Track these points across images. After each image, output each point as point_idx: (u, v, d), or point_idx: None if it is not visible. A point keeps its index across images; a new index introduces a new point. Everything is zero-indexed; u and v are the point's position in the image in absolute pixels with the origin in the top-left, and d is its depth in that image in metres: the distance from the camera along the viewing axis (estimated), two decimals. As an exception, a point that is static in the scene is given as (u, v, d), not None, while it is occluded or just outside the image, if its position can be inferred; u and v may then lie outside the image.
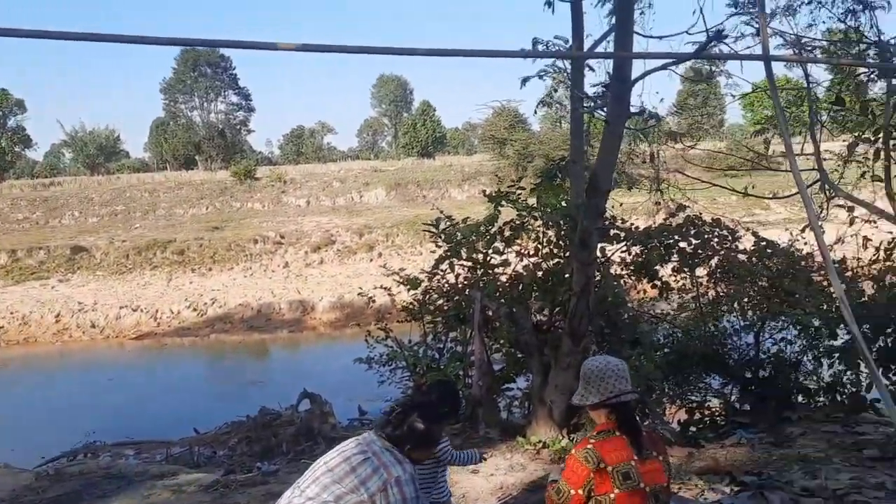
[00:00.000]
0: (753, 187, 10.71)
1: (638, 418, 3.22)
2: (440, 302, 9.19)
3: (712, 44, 6.03)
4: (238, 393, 17.25)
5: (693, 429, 8.48)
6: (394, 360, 9.51)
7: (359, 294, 13.70)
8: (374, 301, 11.68)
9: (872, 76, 8.94)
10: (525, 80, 7.72)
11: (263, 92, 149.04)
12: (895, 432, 6.55)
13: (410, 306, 9.53)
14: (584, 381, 3.10)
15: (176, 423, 13.05)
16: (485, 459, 4.89)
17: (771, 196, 23.17)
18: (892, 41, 8.33)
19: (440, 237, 8.62)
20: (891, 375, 7.89)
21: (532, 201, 8.21)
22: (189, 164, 71.06)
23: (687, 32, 7.06)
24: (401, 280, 9.45)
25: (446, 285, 9.03)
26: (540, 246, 8.22)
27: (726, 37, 6.47)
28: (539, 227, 8.20)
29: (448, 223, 8.68)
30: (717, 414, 8.79)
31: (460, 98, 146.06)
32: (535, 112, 39.12)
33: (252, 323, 26.65)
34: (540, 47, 8.31)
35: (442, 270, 8.95)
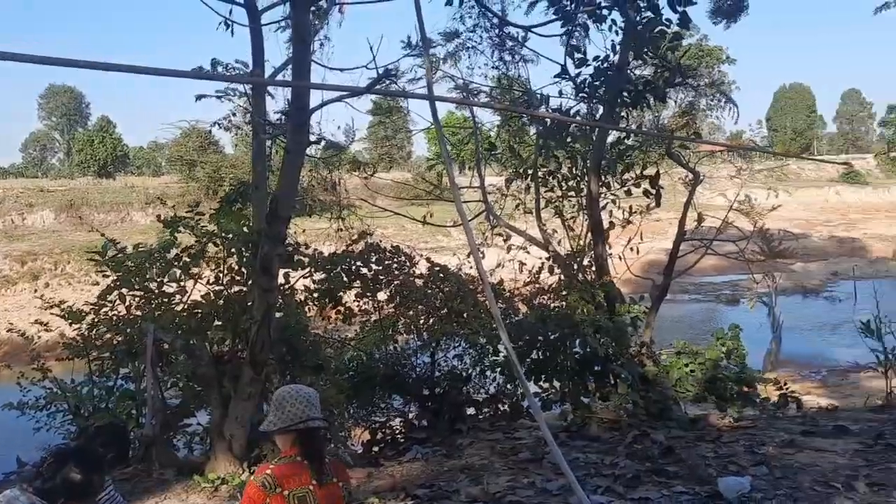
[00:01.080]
0: (432, 216, 11.53)
1: (324, 444, 3.30)
2: (109, 336, 8.37)
3: (384, 80, 6.37)
4: None
5: (375, 449, 8.76)
6: (53, 404, 8.43)
7: (9, 331, 11.97)
8: (38, 337, 10.23)
9: (526, 121, 10.18)
10: (199, 98, 7.45)
11: None
12: (543, 435, 7.41)
13: (73, 342, 8.55)
14: (272, 409, 3.12)
15: None
16: None
17: (451, 224, 25.20)
18: (540, 91, 9.61)
19: (108, 265, 7.88)
20: (542, 384, 8.94)
21: (213, 227, 7.89)
22: None
23: (365, 67, 7.37)
24: (61, 313, 8.45)
25: (115, 318, 8.26)
26: (221, 273, 7.92)
27: (396, 75, 6.88)
28: (219, 253, 7.91)
29: (117, 250, 7.98)
30: (398, 432, 9.18)
31: (148, 115, 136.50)
32: (210, 132, 37.96)
33: None
34: (220, 69, 8.09)
35: (111, 301, 8.17)
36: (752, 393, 8.53)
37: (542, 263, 9.66)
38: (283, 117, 7.18)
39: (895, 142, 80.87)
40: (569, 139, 9.28)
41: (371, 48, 6.45)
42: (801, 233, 43.72)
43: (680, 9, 7.96)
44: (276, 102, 8.30)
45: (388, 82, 6.67)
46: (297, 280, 8.41)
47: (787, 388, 8.84)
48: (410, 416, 9.40)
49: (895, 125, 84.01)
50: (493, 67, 9.16)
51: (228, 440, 7.04)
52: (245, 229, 7.63)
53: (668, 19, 8.19)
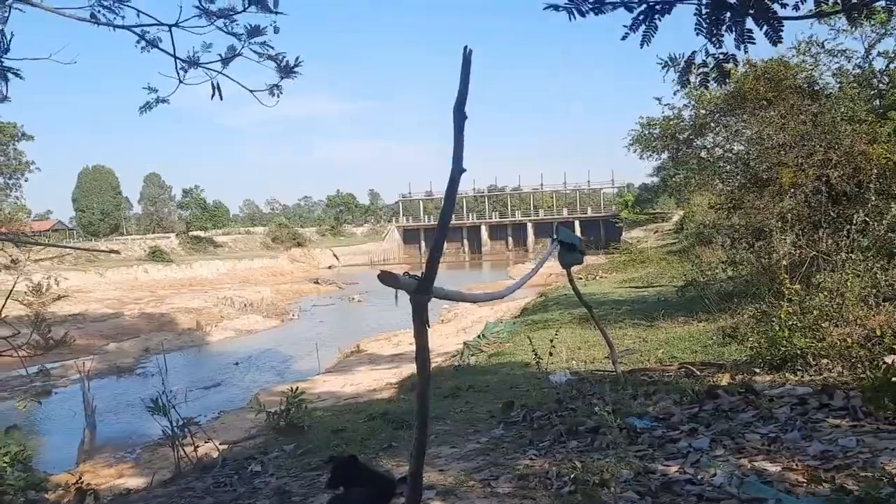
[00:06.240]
0: None
1: None
2: None
3: None
4: None
5: None
6: None
7: None
8: None
9: None
10: None
11: None
12: None
13: None
14: None
15: None
16: None
17: None
18: None
19: None
20: None
21: None
22: None
23: None
24: None
25: None
26: None
27: None
28: None
29: None
30: None
31: None
32: None
33: None
34: None
35: None
36: (42, 499, 7.90)
37: None
38: None
39: (193, 222, 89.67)
40: None
41: None
42: (114, 312, 44.13)
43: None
44: None
45: None
46: None
47: (82, 483, 8.48)
48: None
49: (191, 207, 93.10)
50: None
51: None
52: None
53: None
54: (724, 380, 8.11)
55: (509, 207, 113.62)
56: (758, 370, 8.50)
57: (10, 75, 6.06)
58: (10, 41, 6.06)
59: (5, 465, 7.79)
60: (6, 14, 6.37)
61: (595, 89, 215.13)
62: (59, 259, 51.50)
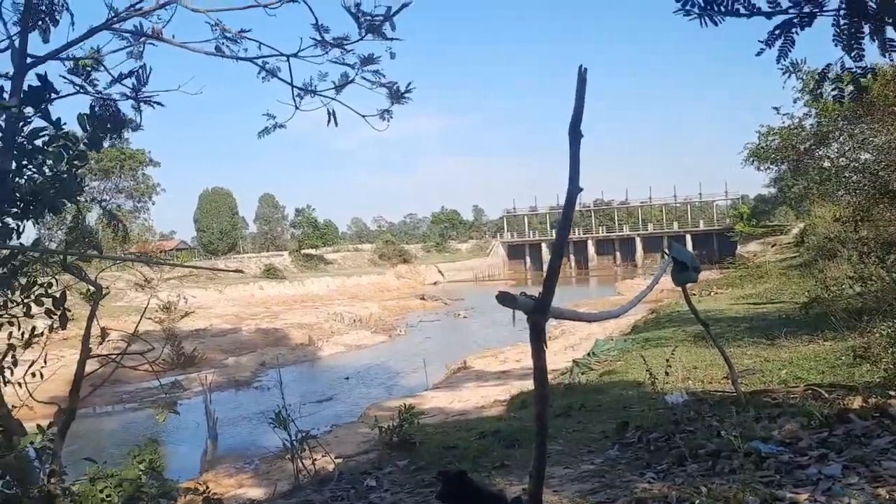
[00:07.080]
0: None
1: None
2: None
3: None
4: None
5: None
6: None
7: None
8: None
9: None
10: None
11: None
12: None
13: None
14: None
15: None
16: None
17: None
18: None
19: None
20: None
21: None
22: None
23: None
24: None
25: None
26: None
27: None
28: None
29: None
30: None
31: None
32: None
33: None
34: None
35: None
36: (174, 505, 8.35)
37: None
38: None
39: (304, 240, 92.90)
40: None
41: None
42: (232, 327, 46.24)
43: (91, 129, 7.56)
44: None
45: None
46: None
47: (209, 492, 8.91)
48: None
49: (303, 226, 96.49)
50: None
51: None
52: None
53: (74, 134, 7.70)
54: (856, 403, 7.61)
55: (616, 221, 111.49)
56: (893, 393, 7.95)
57: (143, 105, 6.48)
58: (148, 75, 6.51)
59: (141, 472, 8.29)
60: (141, 49, 6.84)
61: (708, 100, 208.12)
62: (184, 277, 54.65)
